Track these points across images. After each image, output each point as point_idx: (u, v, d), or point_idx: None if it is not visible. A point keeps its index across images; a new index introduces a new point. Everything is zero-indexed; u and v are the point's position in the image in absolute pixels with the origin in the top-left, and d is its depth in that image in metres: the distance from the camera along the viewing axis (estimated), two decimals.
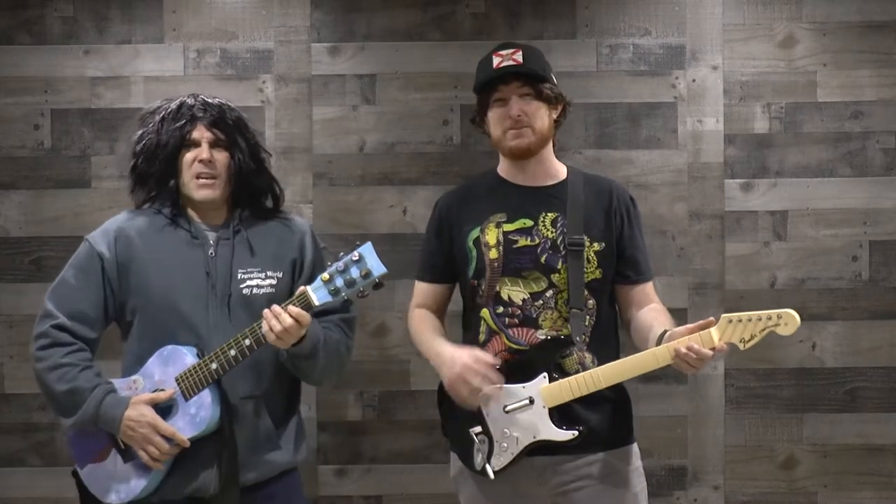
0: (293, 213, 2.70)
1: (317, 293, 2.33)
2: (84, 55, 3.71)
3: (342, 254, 2.32)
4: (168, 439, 2.39)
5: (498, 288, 2.50)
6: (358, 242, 2.33)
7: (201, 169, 2.49)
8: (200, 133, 2.51)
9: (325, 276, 2.32)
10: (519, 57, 2.51)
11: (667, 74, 3.71)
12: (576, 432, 2.41)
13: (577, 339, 2.44)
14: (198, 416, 2.40)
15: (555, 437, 2.41)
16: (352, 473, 3.73)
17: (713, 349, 2.26)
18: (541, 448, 2.43)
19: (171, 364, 2.43)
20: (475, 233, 2.55)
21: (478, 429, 2.47)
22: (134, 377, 2.47)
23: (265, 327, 2.33)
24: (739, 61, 3.71)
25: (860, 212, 3.71)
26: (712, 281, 3.70)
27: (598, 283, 2.50)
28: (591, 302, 2.49)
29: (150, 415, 2.40)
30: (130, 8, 3.72)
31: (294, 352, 2.41)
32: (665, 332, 2.37)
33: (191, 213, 2.55)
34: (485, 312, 2.53)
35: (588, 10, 3.72)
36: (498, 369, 2.44)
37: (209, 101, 2.56)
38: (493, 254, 2.51)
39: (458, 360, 2.41)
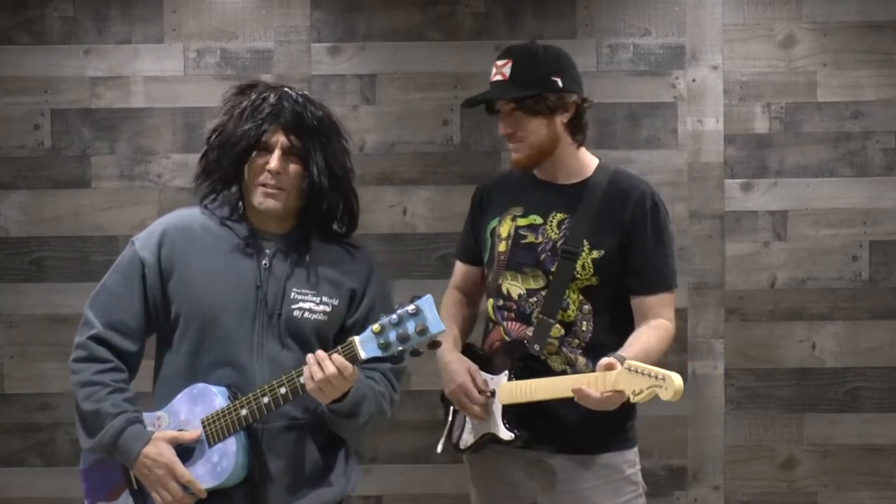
0: (360, 240, 2.44)
1: (365, 347, 2.08)
2: (84, 55, 3.71)
3: (398, 305, 2.08)
4: (185, 486, 2.17)
5: (500, 281, 2.52)
6: (417, 295, 2.09)
7: (268, 180, 2.22)
8: (277, 138, 2.23)
9: (377, 327, 2.07)
10: (507, 70, 2.45)
11: (667, 74, 3.71)
12: (513, 435, 2.43)
13: (535, 346, 2.42)
14: (219, 465, 2.17)
15: (499, 435, 2.45)
16: None
17: (618, 391, 2.19)
18: (531, 442, 2.45)
19: (199, 403, 2.21)
20: (493, 223, 2.57)
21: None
22: (158, 413, 2.26)
23: (305, 374, 2.10)
24: (739, 61, 3.71)
25: (860, 212, 3.71)
26: (712, 281, 3.70)
27: (594, 290, 2.45)
28: (586, 307, 2.46)
29: (169, 456, 2.18)
30: (130, 8, 3.71)
31: (334, 408, 2.18)
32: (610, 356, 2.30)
33: (251, 217, 2.30)
34: (490, 303, 2.57)
35: (588, 10, 3.72)
36: (486, 356, 2.54)
37: (294, 97, 2.27)
38: (501, 247, 2.53)
39: (455, 379, 2.50)
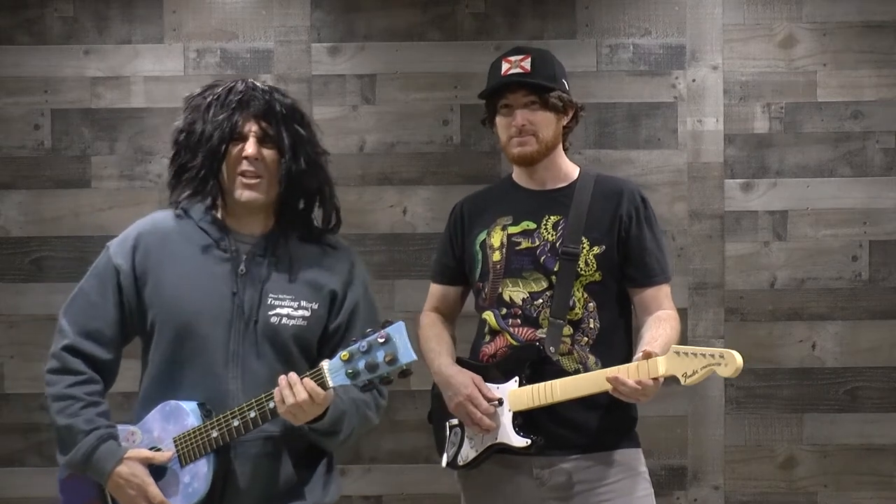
0: (339, 238, 2.38)
1: (333, 375, 2.04)
2: (84, 55, 3.72)
3: (369, 331, 2.03)
4: None
5: (500, 290, 2.50)
6: (389, 320, 2.04)
7: (247, 167, 2.20)
8: (249, 126, 2.20)
9: (345, 354, 2.02)
10: (527, 64, 2.48)
11: (667, 74, 3.71)
12: (529, 441, 2.39)
13: (551, 349, 2.41)
14: (191, 486, 2.17)
15: (511, 442, 2.40)
16: (352, 473, 3.73)
17: (655, 379, 2.23)
18: (544, 448, 2.41)
19: (171, 422, 2.19)
20: (482, 236, 2.56)
21: (455, 421, 2.52)
22: (132, 428, 2.25)
23: (277, 397, 2.07)
24: (739, 61, 3.71)
25: (860, 212, 3.71)
26: (712, 281, 3.70)
27: (598, 286, 2.47)
28: (591, 304, 2.46)
29: (142, 476, 2.17)
30: (130, 8, 3.72)
31: (313, 427, 2.16)
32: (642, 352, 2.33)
33: (226, 218, 2.27)
34: (488, 315, 2.53)
35: (588, 10, 3.72)
36: (483, 367, 2.49)
37: (260, 87, 2.25)
38: (496, 256, 2.51)
39: (461, 391, 2.45)
